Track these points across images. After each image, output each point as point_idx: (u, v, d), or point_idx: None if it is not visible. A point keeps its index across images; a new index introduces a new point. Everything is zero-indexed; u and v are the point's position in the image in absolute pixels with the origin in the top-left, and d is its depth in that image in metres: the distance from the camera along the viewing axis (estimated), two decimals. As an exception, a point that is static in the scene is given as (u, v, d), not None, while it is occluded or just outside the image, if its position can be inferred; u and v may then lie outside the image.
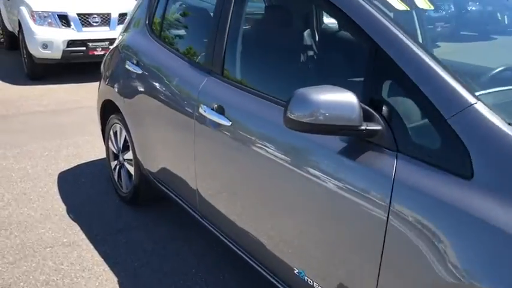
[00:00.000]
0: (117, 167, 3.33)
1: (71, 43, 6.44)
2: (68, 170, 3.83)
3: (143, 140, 2.85)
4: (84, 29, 6.55)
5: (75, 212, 3.18)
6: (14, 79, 6.71)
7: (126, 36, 3.16)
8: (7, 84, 6.48)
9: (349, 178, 1.50)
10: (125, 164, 3.22)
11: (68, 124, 4.95)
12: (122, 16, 6.81)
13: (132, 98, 2.86)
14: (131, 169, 3.13)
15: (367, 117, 1.45)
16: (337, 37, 2.26)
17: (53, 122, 5.02)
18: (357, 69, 1.71)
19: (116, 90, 3.04)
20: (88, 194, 3.43)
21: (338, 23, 1.74)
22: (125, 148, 3.18)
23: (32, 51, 6.42)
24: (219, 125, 2.05)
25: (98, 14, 6.64)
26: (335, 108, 1.40)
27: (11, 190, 3.47)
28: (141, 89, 2.76)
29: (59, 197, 3.38)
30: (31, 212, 3.17)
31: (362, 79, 1.57)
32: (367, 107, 1.46)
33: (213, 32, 2.26)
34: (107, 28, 6.69)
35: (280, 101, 1.84)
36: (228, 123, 2.01)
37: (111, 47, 3.35)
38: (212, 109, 2.11)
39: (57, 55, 6.45)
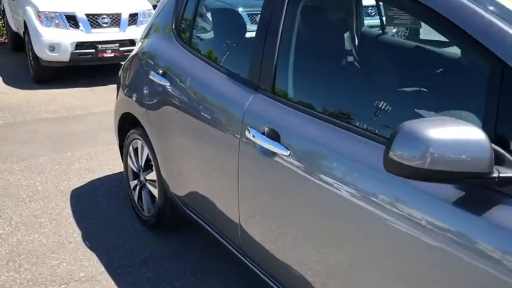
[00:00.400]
0: (138, 187, 2.98)
1: (80, 45, 6.09)
2: (81, 186, 3.50)
3: (171, 160, 2.50)
4: (93, 30, 6.21)
5: (91, 238, 2.84)
6: (20, 83, 6.37)
7: (147, 43, 2.81)
8: (13, 88, 6.14)
9: (475, 237, 1.14)
10: (147, 184, 2.88)
11: (78, 133, 4.61)
12: (133, 17, 6.48)
13: (157, 113, 2.51)
14: (154, 191, 2.79)
15: (497, 160, 1.10)
16: (436, 53, 1.89)
17: (62, 130, 4.68)
18: (469, 94, 1.36)
19: (138, 103, 2.69)
20: (105, 216, 3.09)
21: (448, 38, 1.38)
22: (147, 167, 2.84)
23: (38, 54, 6.08)
24: (274, 153, 1.71)
25: (108, 15, 6.29)
26: (457, 150, 1.06)
27: (19, 211, 3.13)
28: (169, 103, 2.41)
29: (72, 219, 3.04)
30: (42, 238, 2.83)
31: (479, 107, 1.22)
32: (496, 147, 1.12)
33: (259, 40, 1.91)
34: (117, 29, 6.35)
35: (358, 128, 1.50)
36: (286, 153, 1.66)
37: (130, 55, 2.99)
38: (263, 133, 1.76)
39: (65, 58, 6.10)
